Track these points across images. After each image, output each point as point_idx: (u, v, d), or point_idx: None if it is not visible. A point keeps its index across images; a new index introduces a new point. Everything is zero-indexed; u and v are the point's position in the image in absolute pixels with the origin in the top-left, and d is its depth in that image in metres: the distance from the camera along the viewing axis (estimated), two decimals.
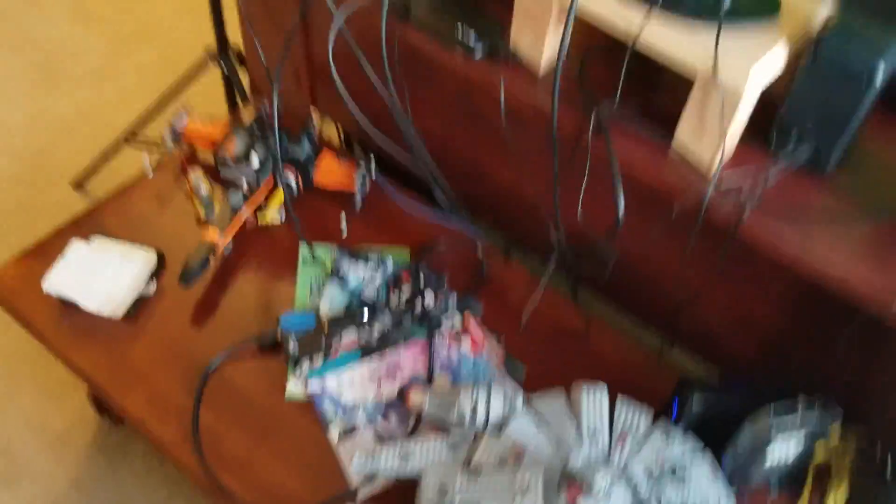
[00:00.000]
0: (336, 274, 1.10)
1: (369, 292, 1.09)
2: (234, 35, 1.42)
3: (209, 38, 1.44)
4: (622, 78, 0.86)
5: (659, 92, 0.91)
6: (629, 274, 0.98)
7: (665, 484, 0.84)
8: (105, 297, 1.01)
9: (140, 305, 1.03)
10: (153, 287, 1.04)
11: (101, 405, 1.32)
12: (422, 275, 1.11)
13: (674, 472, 0.85)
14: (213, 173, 1.18)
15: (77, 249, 1.04)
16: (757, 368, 0.93)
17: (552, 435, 0.88)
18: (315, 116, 1.32)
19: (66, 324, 1.01)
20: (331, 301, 1.07)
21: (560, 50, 0.78)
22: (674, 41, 0.79)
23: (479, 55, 0.93)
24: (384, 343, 1.04)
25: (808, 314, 0.87)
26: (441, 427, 0.95)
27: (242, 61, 1.44)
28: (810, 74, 0.77)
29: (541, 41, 0.90)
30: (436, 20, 0.95)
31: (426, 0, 0.97)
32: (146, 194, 1.17)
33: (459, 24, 0.92)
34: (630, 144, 0.87)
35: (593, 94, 0.89)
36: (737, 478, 0.89)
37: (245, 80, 1.46)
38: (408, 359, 1.03)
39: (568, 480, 0.82)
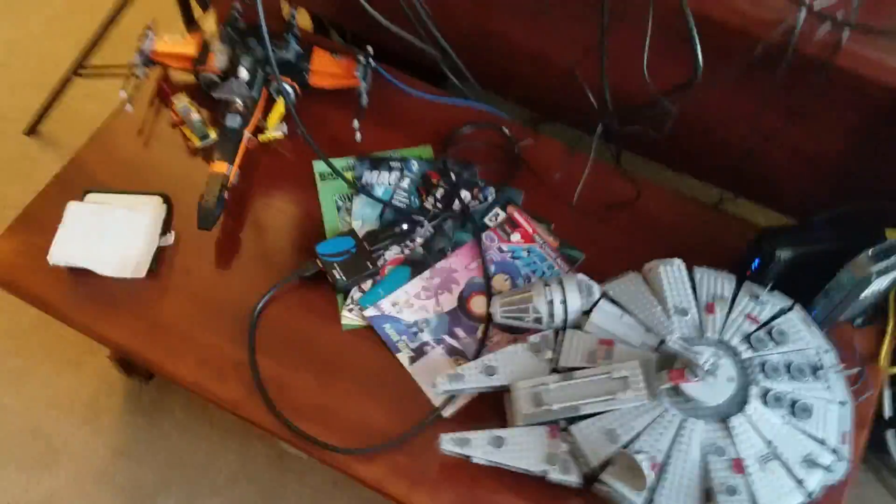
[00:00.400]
0: (360, 186, 1.01)
1: (400, 200, 1.00)
2: None
3: None
4: None
5: None
6: (686, 130, 0.91)
7: (764, 346, 0.81)
8: (121, 258, 0.91)
9: (160, 259, 0.94)
10: (171, 237, 0.94)
11: (128, 366, 1.24)
12: (452, 171, 1.02)
13: (770, 333, 0.82)
14: (195, 96, 1.05)
15: (75, 212, 0.92)
16: (829, 209, 0.88)
17: (637, 320, 0.83)
18: (285, 8, 1.19)
19: (83, 294, 0.91)
20: (363, 217, 0.99)
21: None
22: None
23: None
24: (431, 253, 0.97)
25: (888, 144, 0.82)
26: (514, 330, 0.89)
27: None
28: None
29: None
30: None
31: None
32: (128, 132, 1.04)
33: None
34: None
35: None
36: (826, 322, 0.87)
37: None
38: (459, 265, 0.96)
39: (668, 363, 0.79)
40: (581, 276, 0.86)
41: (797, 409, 0.77)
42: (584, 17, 0.86)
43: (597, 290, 0.85)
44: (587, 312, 0.84)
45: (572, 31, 0.89)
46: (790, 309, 0.84)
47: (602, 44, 0.82)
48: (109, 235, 0.91)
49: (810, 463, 0.75)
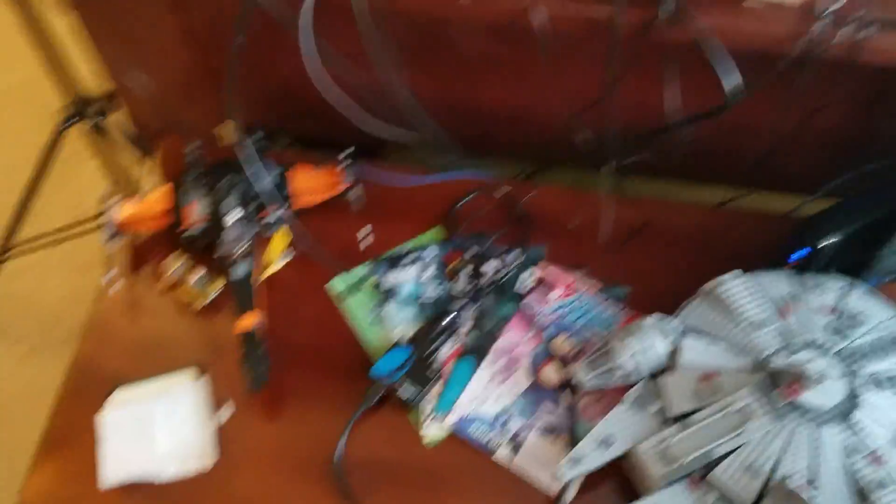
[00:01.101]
0: (386, 291, 0.96)
1: (431, 292, 0.97)
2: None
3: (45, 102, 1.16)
4: None
5: None
6: (698, 146, 0.91)
7: (849, 333, 0.82)
8: (181, 454, 0.83)
9: (221, 439, 0.86)
10: (227, 411, 0.87)
11: None
12: (470, 247, 0.99)
13: (848, 317, 0.84)
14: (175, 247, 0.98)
15: (111, 423, 0.84)
16: (850, 181, 0.91)
17: (726, 345, 0.83)
18: (229, 131, 1.12)
19: None
20: (402, 322, 0.95)
21: None
22: None
23: None
24: (484, 336, 0.94)
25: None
26: (602, 390, 0.88)
27: (111, 108, 1.16)
28: None
29: None
30: None
31: None
32: (123, 314, 0.95)
33: None
34: (703, 14, 0.77)
35: None
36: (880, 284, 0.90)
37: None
38: (517, 339, 0.93)
39: (777, 380, 0.79)
40: (654, 317, 0.85)
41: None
42: (579, 65, 0.86)
43: (673, 326, 0.85)
44: (673, 352, 0.84)
45: (566, 80, 0.88)
46: (850, 287, 0.86)
47: (611, 87, 0.82)
48: (157, 434, 0.83)
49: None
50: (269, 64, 0.99)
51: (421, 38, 0.89)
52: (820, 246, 0.86)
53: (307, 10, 0.80)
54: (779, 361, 0.79)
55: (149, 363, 0.91)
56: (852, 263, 0.89)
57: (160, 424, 0.83)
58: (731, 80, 0.77)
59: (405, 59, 0.87)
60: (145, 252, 0.98)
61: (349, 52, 0.87)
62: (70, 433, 0.86)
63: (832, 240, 0.86)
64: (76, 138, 1.23)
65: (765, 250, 0.94)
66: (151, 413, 0.84)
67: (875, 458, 0.75)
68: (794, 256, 0.90)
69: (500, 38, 0.88)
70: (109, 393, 0.87)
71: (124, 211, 0.96)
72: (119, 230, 0.96)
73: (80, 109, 1.13)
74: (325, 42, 0.84)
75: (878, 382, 0.79)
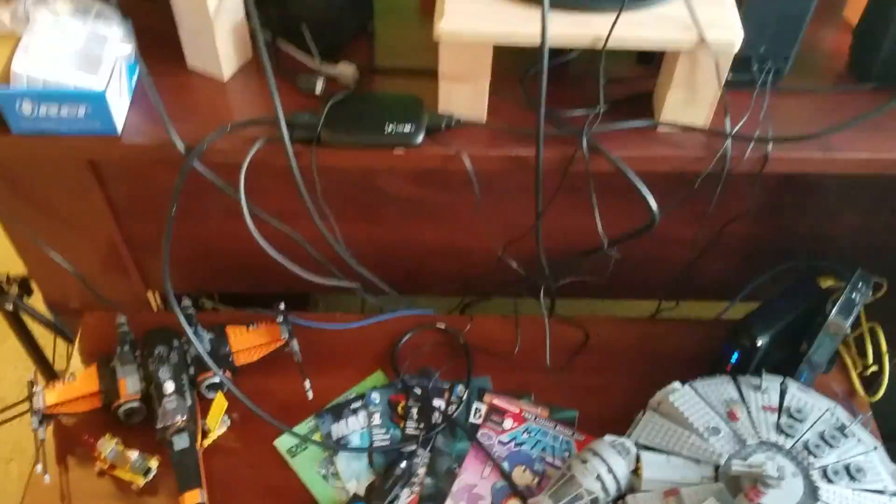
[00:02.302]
0: (335, 444, 0.93)
1: (382, 439, 0.94)
2: None
3: None
4: (601, 87, 0.81)
5: (587, 87, 0.87)
6: (625, 264, 0.95)
7: (795, 430, 0.85)
8: None
9: None
10: None
11: None
12: (414, 388, 0.98)
13: (790, 415, 0.86)
14: (111, 431, 0.93)
15: None
16: (769, 282, 0.97)
17: (683, 457, 0.84)
18: (152, 301, 1.10)
19: None
20: (355, 475, 0.91)
21: (540, 89, 0.71)
22: (647, 27, 0.76)
23: (419, 140, 0.81)
24: (441, 478, 0.91)
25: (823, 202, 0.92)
26: None
27: (28, 292, 1.11)
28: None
29: (481, 96, 0.81)
30: (359, 129, 0.81)
31: (342, 115, 0.82)
32: (55, 501, 0.88)
33: (386, 122, 0.79)
34: (618, 146, 0.82)
35: (558, 114, 0.83)
36: (812, 382, 0.94)
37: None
38: (475, 477, 0.91)
39: (737, 485, 0.80)
40: (609, 438, 0.85)
41: (853, 473, 0.81)
42: (505, 200, 0.89)
43: (630, 444, 0.85)
44: (633, 471, 0.84)
45: (494, 215, 0.92)
46: (786, 384, 0.89)
47: (538, 220, 0.85)
48: None
49: None
50: (194, 228, 0.99)
51: (352, 188, 0.92)
52: (752, 347, 0.89)
53: (243, 175, 0.81)
54: (737, 466, 0.79)
55: None
56: (783, 361, 0.92)
57: None
58: (652, 202, 0.81)
59: (337, 210, 0.89)
60: (77, 435, 0.92)
61: (282, 207, 0.89)
62: None
63: (763, 341, 0.89)
64: None
65: (700, 356, 0.98)
66: None
67: None
68: (730, 360, 0.94)
69: (427, 184, 0.91)
70: None
71: (52, 394, 0.91)
72: (47, 415, 0.91)
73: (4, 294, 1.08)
74: (257, 200, 0.85)
75: (830, 476, 0.81)
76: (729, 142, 0.80)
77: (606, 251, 0.88)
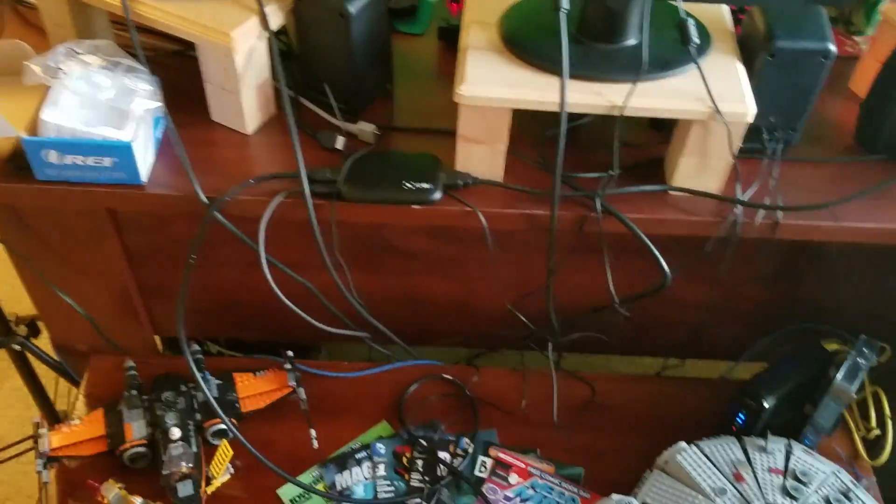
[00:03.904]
0: (338, 495, 0.93)
1: (386, 491, 0.94)
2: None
3: None
4: (615, 151, 0.84)
5: (601, 151, 0.89)
6: (634, 323, 0.96)
7: (801, 493, 0.85)
8: None
9: None
10: None
11: None
12: (420, 439, 0.99)
13: (796, 478, 0.87)
14: (115, 476, 0.92)
15: None
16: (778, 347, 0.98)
17: None
18: (159, 345, 1.10)
19: None
20: None
21: (557, 152, 0.73)
22: (662, 97, 0.78)
23: (437, 197, 0.83)
24: None
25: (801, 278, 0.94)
26: None
27: (35, 333, 1.11)
28: (769, 69, 0.82)
29: (498, 157, 0.83)
30: (378, 186, 0.83)
31: (362, 172, 0.84)
32: None
33: (404, 179, 0.81)
34: (631, 209, 0.84)
35: (573, 176, 0.86)
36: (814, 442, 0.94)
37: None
38: None
39: None
40: (616, 497, 0.86)
41: None
42: (515, 256, 0.91)
43: (634, 502, 0.85)
44: None
45: (505, 270, 0.93)
46: (791, 447, 0.90)
47: (549, 278, 0.87)
48: None
49: None
50: (206, 276, 1.00)
51: (366, 242, 0.93)
52: (759, 409, 0.90)
53: (263, 227, 0.82)
54: None
55: None
56: (788, 422, 0.93)
57: None
58: (664, 263, 0.83)
59: (350, 261, 0.90)
60: (80, 479, 0.92)
61: (296, 258, 0.90)
62: None
63: (770, 402, 0.90)
64: None
65: (705, 417, 0.98)
66: None
67: None
68: (736, 421, 0.94)
69: (440, 239, 0.92)
70: None
71: (58, 437, 0.91)
72: (52, 458, 0.90)
73: (1, 337, 1.08)
74: (273, 251, 0.86)
75: None
76: (740, 209, 0.82)
77: (617, 309, 0.89)
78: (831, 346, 0.95)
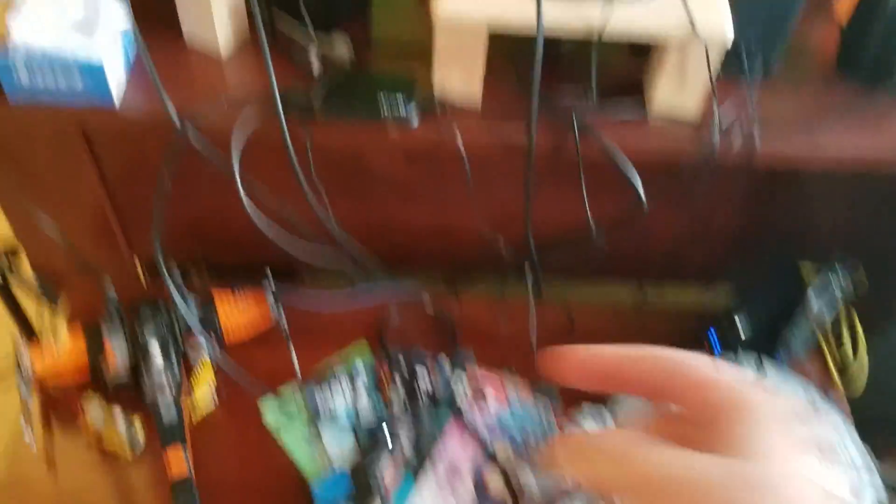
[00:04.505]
0: (319, 416, 0.95)
1: (365, 410, 0.97)
2: None
3: None
4: (593, 76, 0.83)
5: (580, 77, 0.88)
6: (611, 249, 0.97)
7: None
8: None
9: None
10: None
11: None
12: (400, 358, 1.00)
13: None
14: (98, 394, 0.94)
15: None
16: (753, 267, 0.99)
17: None
18: (139, 272, 1.11)
19: None
20: (338, 445, 0.93)
21: (534, 74, 0.72)
22: (640, 19, 0.77)
23: (414, 120, 0.82)
24: (424, 450, 0.94)
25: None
26: (548, 496, 0.89)
27: (12, 265, 1.10)
28: None
29: (476, 80, 0.82)
30: (354, 106, 0.82)
31: (338, 93, 0.83)
32: (45, 467, 0.90)
33: (381, 101, 0.80)
34: (609, 134, 0.84)
35: (551, 101, 0.85)
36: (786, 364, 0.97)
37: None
38: (456, 450, 0.94)
39: None
40: (587, 406, 0.88)
41: (823, 448, 0.84)
42: (496, 183, 0.91)
43: (608, 414, 0.88)
44: None
45: (484, 197, 0.93)
46: (759, 362, 0.92)
47: (527, 202, 0.87)
48: None
49: (856, 492, 0.82)
50: (183, 197, 0.99)
51: (341, 167, 0.93)
52: (734, 333, 0.92)
53: (238, 148, 0.81)
54: None
55: None
56: (760, 345, 0.95)
57: None
58: (639, 186, 0.83)
59: (328, 189, 0.90)
60: (64, 401, 0.94)
61: (273, 182, 0.90)
62: None
63: (741, 323, 0.92)
64: None
65: (681, 339, 1.00)
66: None
67: None
68: (712, 346, 0.96)
69: (418, 163, 0.92)
70: None
71: (37, 360, 0.92)
72: (34, 381, 0.92)
73: None
74: (249, 175, 0.85)
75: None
76: (717, 134, 0.82)
77: (594, 239, 0.90)
78: (807, 271, 0.96)
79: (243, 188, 0.84)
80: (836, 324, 0.99)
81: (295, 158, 0.82)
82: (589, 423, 0.86)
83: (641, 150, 0.83)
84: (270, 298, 0.99)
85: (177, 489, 0.84)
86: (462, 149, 0.83)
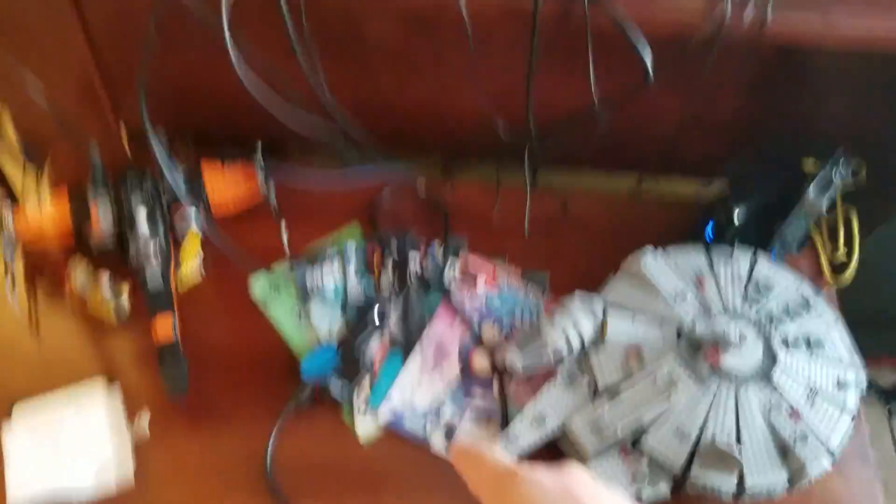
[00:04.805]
0: (308, 291, 0.94)
1: (354, 291, 0.95)
2: None
3: None
4: None
5: None
6: (611, 133, 0.94)
7: (760, 300, 0.87)
8: (96, 467, 0.78)
9: (139, 452, 0.81)
10: (144, 422, 0.82)
11: None
12: (392, 242, 0.99)
13: (757, 286, 0.88)
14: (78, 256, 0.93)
15: (18, 437, 0.78)
16: (751, 159, 0.97)
17: (648, 317, 0.86)
18: (124, 139, 1.08)
19: None
20: (327, 321, 0.93)
21: None
22: None
23: None
24: (411, 329, 0.93)
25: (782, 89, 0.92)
26: (532, 374, 0.88)
27: None
28: None
29: None
30: None
31: None
32: (27, 327, 0.89)
33: None
34: (621, 0, 0.80)
35: None
36: (781, 259, 0.95)
37: None
38: (444, 330, 0.93)
39: (698, 347, 0.82)
40: (578, 295, 0.87)
41: (812, 344, 0.84)
42: (495, 56, 0.87)
43: (598, 302, 0.87)
44: (599, 328, 0.86)
45: (483, 72, 0.89)
46: (754, 258, 0.91)
47: (529, 76, 0.84)
48: (70, 446, 0.78)
49: (842, 385, 0.82)
50: (171, 61, 0.96)
51: (336, 33, 0.89)
52: (729, 221, 0.90)
53: (227, 6, 0.78)
54: (700, 329, 0.82)
55: (55, 379, 0.85)
56: (756, 238, 0.94)
57: (70, 436, 0.78)
58: (648, 58, 0.80)
59: (322, 55, 0.87)
60: (47, 262, 0.92)
61: (264, 45, 0.86)
62: None
63: (739, 213, 0.90)
64: None
65: (676, 231, 0.98)
66: (60, 424, 0.79)
67: (794, 414, 0.79)
68: (706, 234, 0.95)
69: (417, 30, 0.88)
70: (12, 406, 0.81)
71: (22, 220, 0.90)
72: (16, 240, 0.90)
73: None
74: (240, 36, 0.82)
75: (791, 343, 0.83)
76: (730, 4, 0.78)
77: (595, 114, 0.87)
78: (809, 165, 0.94)
79: (233, 46, 0.80)
80: (832, 220, 0.97)
81: (288, 15, 0.79)
82: (580, 310, 0.85)
83: (651, 21, 0.79)
84: (260, 173, 0.97)
85: (163, 352, 0.83)
86: (464, 11, 0.79)
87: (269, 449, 0.82)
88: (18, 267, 0.91)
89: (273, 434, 0.83)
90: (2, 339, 0.89)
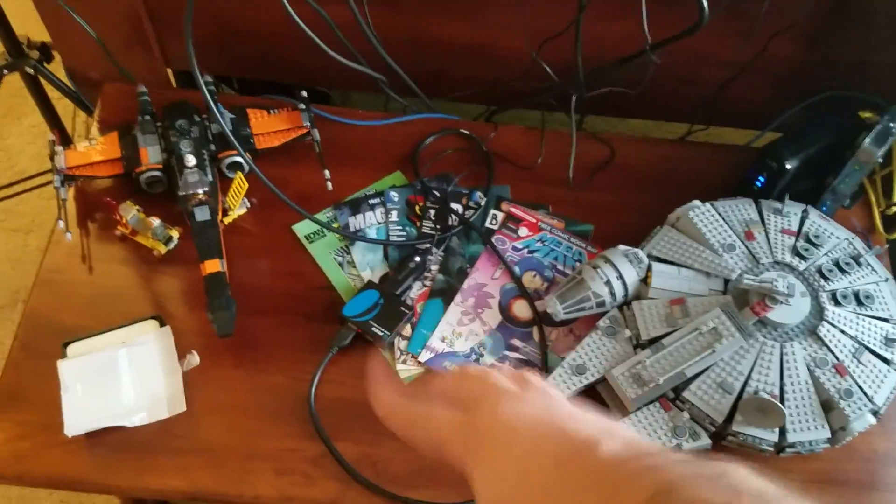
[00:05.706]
0: (352, 234, 0.95)
1: (398, 235, 0.96)
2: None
3: None
4: None
5: None
6: (660, 80, 0.92)
7: (811, 254, 0.85)
8: (150, 400, 0.80)
9: (189, 386, 0.84)
10: (193, 358, 0.84)
11: None
12: (433, 189, 0.98)
13: (808, 240, 0.86)
14: (133, 198, 0.94)
15: (73, 370, 0.80)
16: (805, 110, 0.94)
17: (694, 270, 0.85)
18: (172, 80, 1.08)
19: (112, 455, 0.80)
20: (370, 265, 0.93)
21: None
22: None
23: None
24: (452, 276, 0.93)
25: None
26: (565, 322, 0.88)
27: (48, 58, 1.09)
28: None
29: None
30: None
31: None
32: (76, 264, 0.91)
33: None
34: None
35: None
36: (833, 213, 0.93)
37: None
38: (485, 278, 0.93)
39: (745, 300, 0.81)
40: (622, 247, 0.86)
41: (862, 299, 0.82)
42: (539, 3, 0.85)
43: (643, 254, 0.86)
44: (643, 280, 0.85)
45: (527, 13, 0.88)
46: (807, 212, 0.89)
47: (579, 15, 0.82)
48: (124, 380, 0.80)
49: (890, 342, 0.80)
50: (220, 7, 0.95)
51: None
52: (780, 170, 0.88)
53: None
54: (748, 281, 0.81)
55: (107, 315, 0.87)
56: (808, 191, 0.91)
57: (124, 371, 0.80)
58: None
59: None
60: (98, 200, 0.94)
61: None
62: (22, 389, 0.82)
63: (791, 164, 0.88)
64: (6, 95, 1.17)
65: (724, 182, 0.96)
66: (115, 359, 0.81)
67: (840, 370, 0.78)
68: (756, 183, 0.93)
69: None
70: (67, 344, 0.83)
71: (74, 156, 0.92)
72: (69, 176, 0.91)
73: (15, 59, 1.06)
74: None
75: (839, 299, 0.82)
76: None
77: (648, 53, 0.85)
78: (865, 115, 0.91)
79: None
80: (887, 175, 0.95)
81: None
82: (624, 261, 0.84)
83: None
84: (305, 116, 0.97)
85: (210, 280, 0.84)
86: None
87: (312, 388, 0.84)
88: (71, 207, 0.93)
89: (317, 375, 0.85)
90: (56, 277, 0.91)
